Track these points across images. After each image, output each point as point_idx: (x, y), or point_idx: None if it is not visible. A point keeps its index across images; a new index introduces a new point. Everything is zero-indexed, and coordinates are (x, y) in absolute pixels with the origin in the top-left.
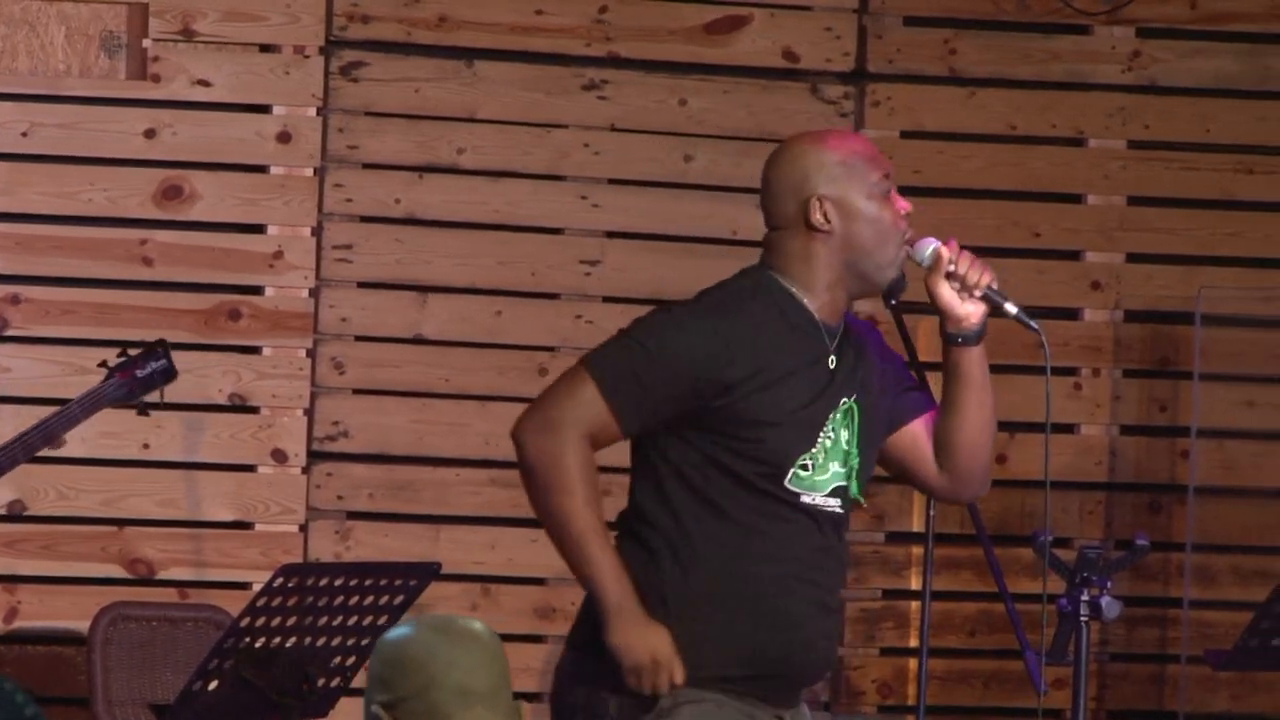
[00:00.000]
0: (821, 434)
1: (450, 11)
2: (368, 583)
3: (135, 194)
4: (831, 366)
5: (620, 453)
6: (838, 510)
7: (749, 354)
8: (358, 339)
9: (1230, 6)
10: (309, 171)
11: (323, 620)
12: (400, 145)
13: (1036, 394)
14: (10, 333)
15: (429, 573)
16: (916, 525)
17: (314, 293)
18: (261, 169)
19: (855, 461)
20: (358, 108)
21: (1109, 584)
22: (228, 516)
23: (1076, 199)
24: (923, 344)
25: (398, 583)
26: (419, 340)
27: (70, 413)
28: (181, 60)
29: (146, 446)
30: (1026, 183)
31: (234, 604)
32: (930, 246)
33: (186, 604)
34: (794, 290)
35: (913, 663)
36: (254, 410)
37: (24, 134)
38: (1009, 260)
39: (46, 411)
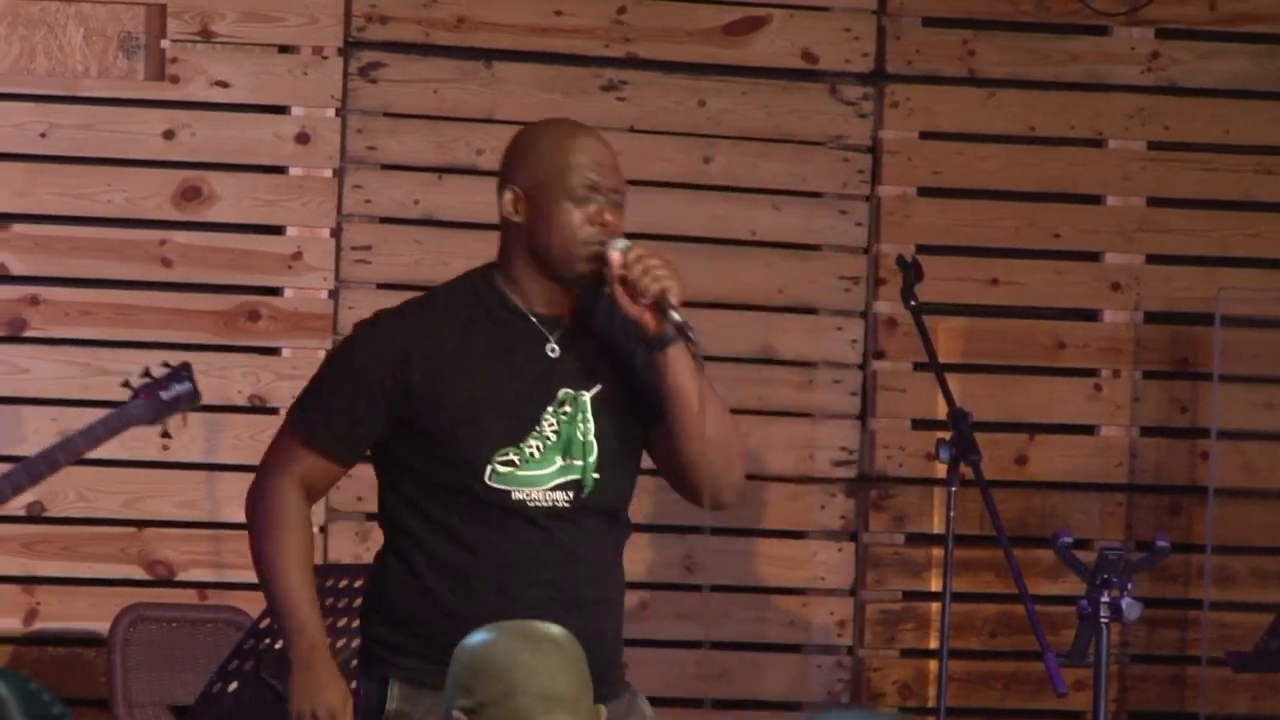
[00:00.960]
0: (536, 427)
1: (469, 12)
2: None
3: (154, 195)
4: (553, 356)
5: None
6: (564, 504)
7: (430, 352)
8: None
9: (1250, 7)
10: (328, 172)
11: (342, 622)
12: (419, 146)
13: (1055, 395)
14: (29, 334)
15: None
16: (937, 527)
17: (333, 294)
18: (280, 170)
19: (592, 454)
20: (376, 109)
21: (1129, 585)
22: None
23: (1096, 200)
24: (941, 344)
25: None
26: None
27: (94, 432)
28: (200, 61)
29: (166, 448)
30: (1045, 184)
31: (254, 605)
32: (609, 247)
33: (206, 605)
34: (499, 282)
35: (933, 664)
36: (274, 411)
37: (42, 135)
38: (1028, 261)
39: (64, 412)
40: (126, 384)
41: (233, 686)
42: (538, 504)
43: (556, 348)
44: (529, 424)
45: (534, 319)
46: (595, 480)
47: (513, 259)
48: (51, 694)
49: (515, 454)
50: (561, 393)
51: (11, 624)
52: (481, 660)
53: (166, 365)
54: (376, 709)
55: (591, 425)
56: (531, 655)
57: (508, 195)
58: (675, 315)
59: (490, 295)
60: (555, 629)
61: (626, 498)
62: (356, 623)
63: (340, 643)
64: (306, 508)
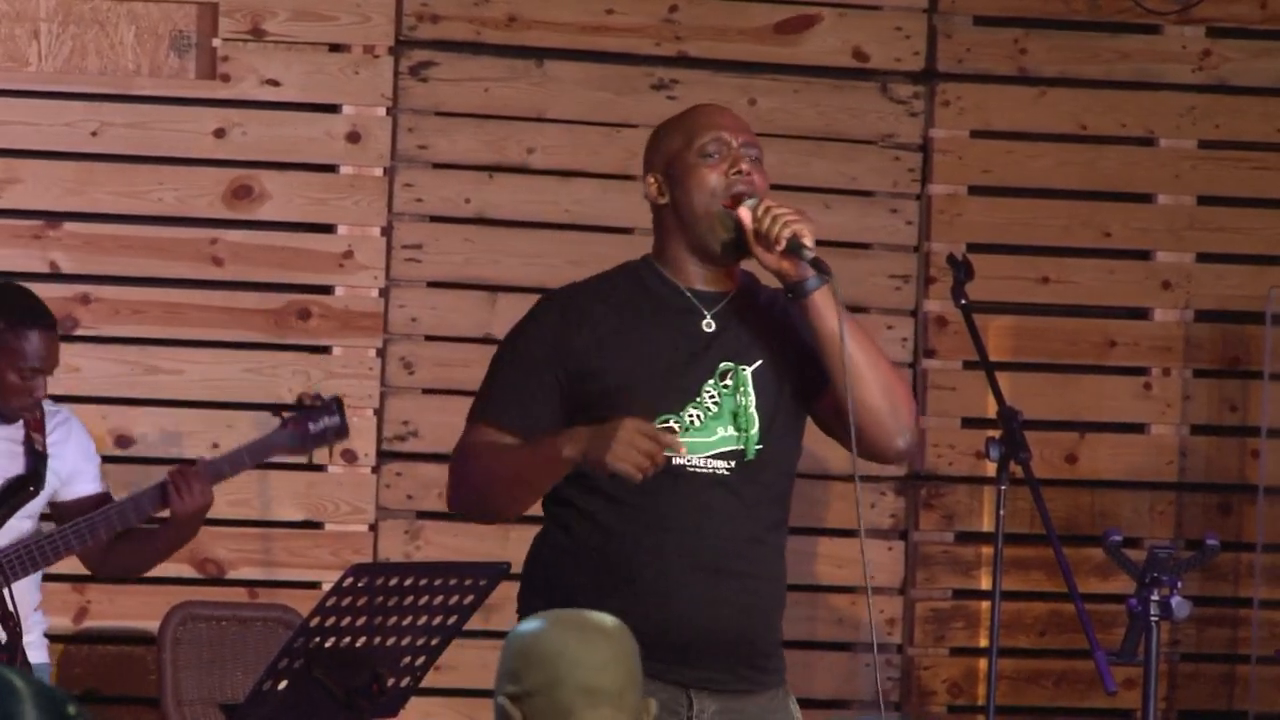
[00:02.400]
0: (696, 397)
1: (520, 11)
2: (437, 582)
3: (205, 194)
4: (709, 330)
5: None
6: (724, 472)
7: (591, 326)
8: (427, 339)
9: None
10: (379, 171)
11: (392, 620)
12: (470, 145)
13: (1105, 393)
14: (80, 332)
15: (499, 572)
16: (986, 525)
17: (383, 292)
18: (331, 169)
19: (753, 425)
20: (427, 107)
21: (1179, 584)
22: (298, 516)
23: (1147, 199)
24: (992, 342)
25: (467, 582)
26: (489, 340)
27: (238, 457)
28: (251, 60)
29: (216, 446)
30: (1096, 182)
31: (304, 604)
32: (736, 212)
33: (256, 604)
34: (656, 263)
35: (983, 662)
36: (312, 400)
37: (94, 134)
38: (1079, 260)
39: (114, 411)
40: (278, 413)
41: (283, 685)
42: (697, 469)
43: (713, 323)
44: (688, 394)
45: (690, 295)
46: (758, 451)
47: (666, 241)
48: (65, 694)
49: (675, 421)
50: (722, 365)
51: (62, 622)
52: (530, 648)
53: (320, 398)
54: None
55: (753, 398)
56: (579, 647)
57: (649, 181)
58: (807, 253)
59: (649, 275)
60: (608, 619)
61: (787, 474)
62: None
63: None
64: None
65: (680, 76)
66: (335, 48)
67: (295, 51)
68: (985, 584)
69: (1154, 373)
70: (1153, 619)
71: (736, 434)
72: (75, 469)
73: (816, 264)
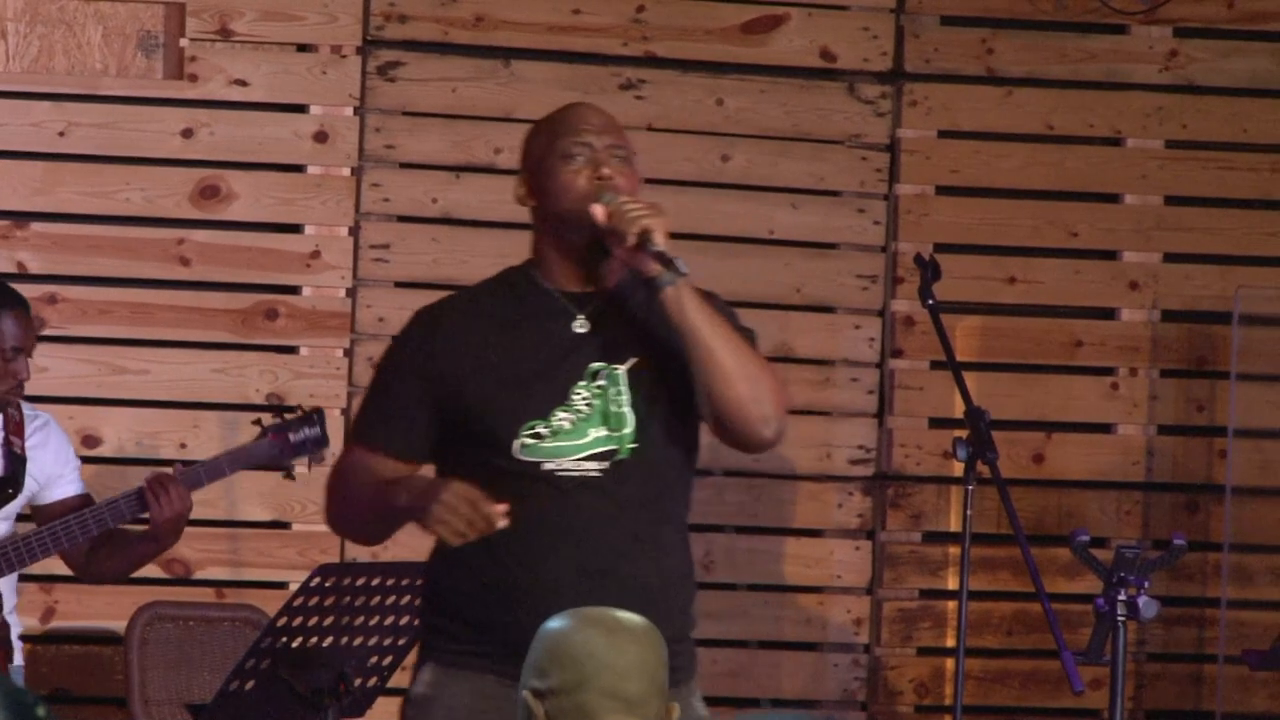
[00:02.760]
0: (565, 400)
1: (487, 11)
2: (405, 582)
3: (172, 194)
4: (580, 332)
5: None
6: (595, 474)
7: (456, 338)
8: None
9: (1268, 6)
10: (346, 171)
11: (360, 620)
12: (437, 145)
13: (1072, 393)
14: (47, 332)
15: None
16: (954, 525)
17: (351, 292)
18: (298, 169)
19: (628, 425)
20: (395, 107)
21: (1146, 584)
22: (265, 516)
23: (1114, 199)
24: (959, 342)
25: None
26: None
27: (217, 465)
28: (219, 60)
29: (184, 446)
30: (1063, 182)
31: (271, 604)
32: (594, 207)
33: (223, 604)
34: (529, 267)
35: (950, 662)
36: (291, 410)
37: (61, 134)
38: (1046, 260)
39: (82, 411)
40: (258, 422)
41: (249, 685)
42: (568, 474)
43: (586, 323)
44: (556, 397)
45: (561, 297)
46: (632, 449)
47: (538, 244)
48: (35, 696)
49: (543, 426)
50: (593, 366)
51: (29, 622)
52: (559, 646)
53: (300, 409)
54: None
55: (627, 396)
56: (606, 651)
57: (517, 183)
58: (654, 247)
59: (521, 280)
60: (639, 623)
61: (674, 468)
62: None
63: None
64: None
65: (648, 76)
66: (303, 48)
67: (263, 51)
68: (952, 584)
69: (1121, 373)
70: (1120, 619)
71: (609, 434)
72: (54, 473)
73: (664, 259)
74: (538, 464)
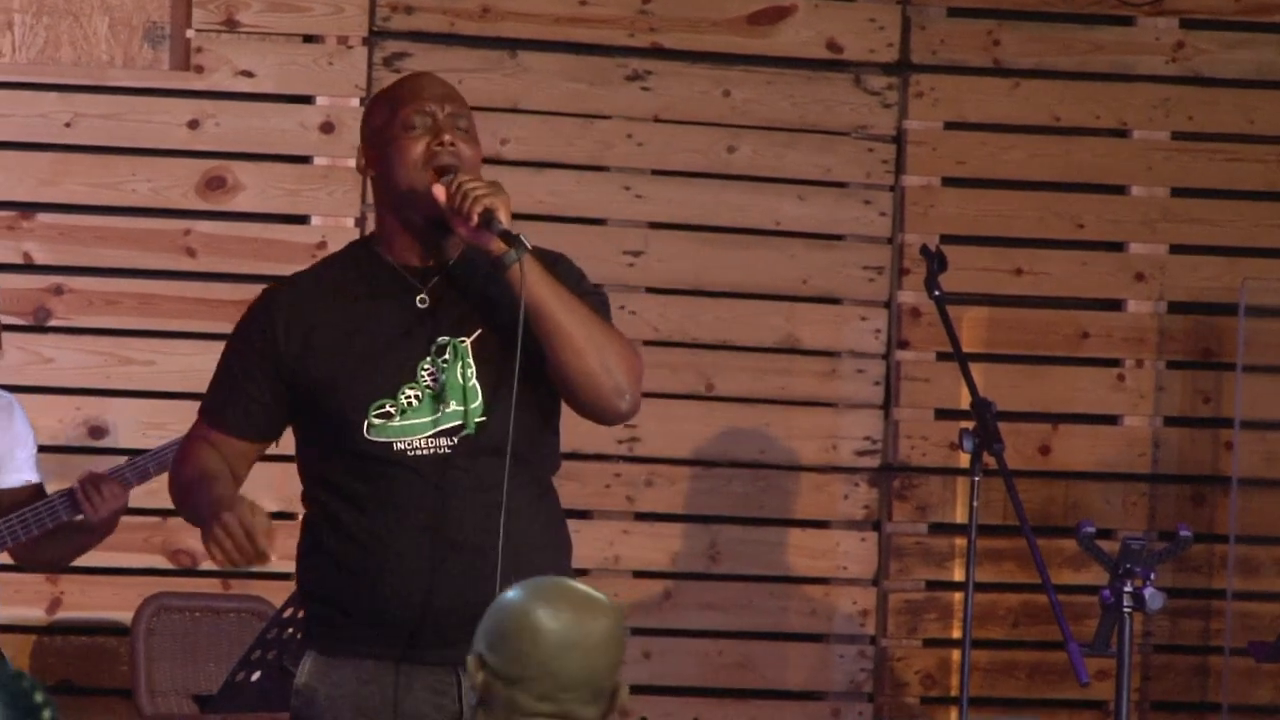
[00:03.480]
0: (413, 378)
1: (493, 2)
2: None
3: (178, 184)
4: (422, 307)
5: (663, 444)
6: (445, 450)
7: (298, 317)
8: None
9: None
10: (352, 162)
11: None
12: None
13: (1078, 385)
14: (53, 323)
15: None
16: (960, 517)
17: None
18: (305, 159)
19: (476, 399)
20: None
21: (1152, 575)
22: (271, 507)
23: (1120, 190)
24: (965, 334)
25: None
26: None
27: (143, 465)
28: (225, 51)
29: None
30: (1070, 174)
31: (277, 595)
32: (435, 186)
33: (229, 595)
34: (372, 241)
35: (956, 654)
36: None
37: (67, 124)
38: (1052, 251)
39: (88, 401)
40: None
41: (255, 675)
42: (419, 452)
43: (427, 298)
44: (403, 374)
45: (403, 271)
46: (479, 424)
47: (380, 218)
48: (32, 679)
49: (391, 405)
50: (439, 340)
51: (35, 613)
52: (512, 633)
53: None
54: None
55: (473, 370)
56: (553, 657)
57: (358, 154)
58: (498, 226)
59: (365, 256)
60: (598, 607)
61: (528, 436)
62: None
63: None
64: (221, 461)
65: (654, 68)
66: (309, 39)
67: (269, 42)
68: (958, 575)
69: (1127, 364)
70: (1126, 610)
71: (456, 409)
72: (7, 453)
73: (508, 237)
74: (389, 444)
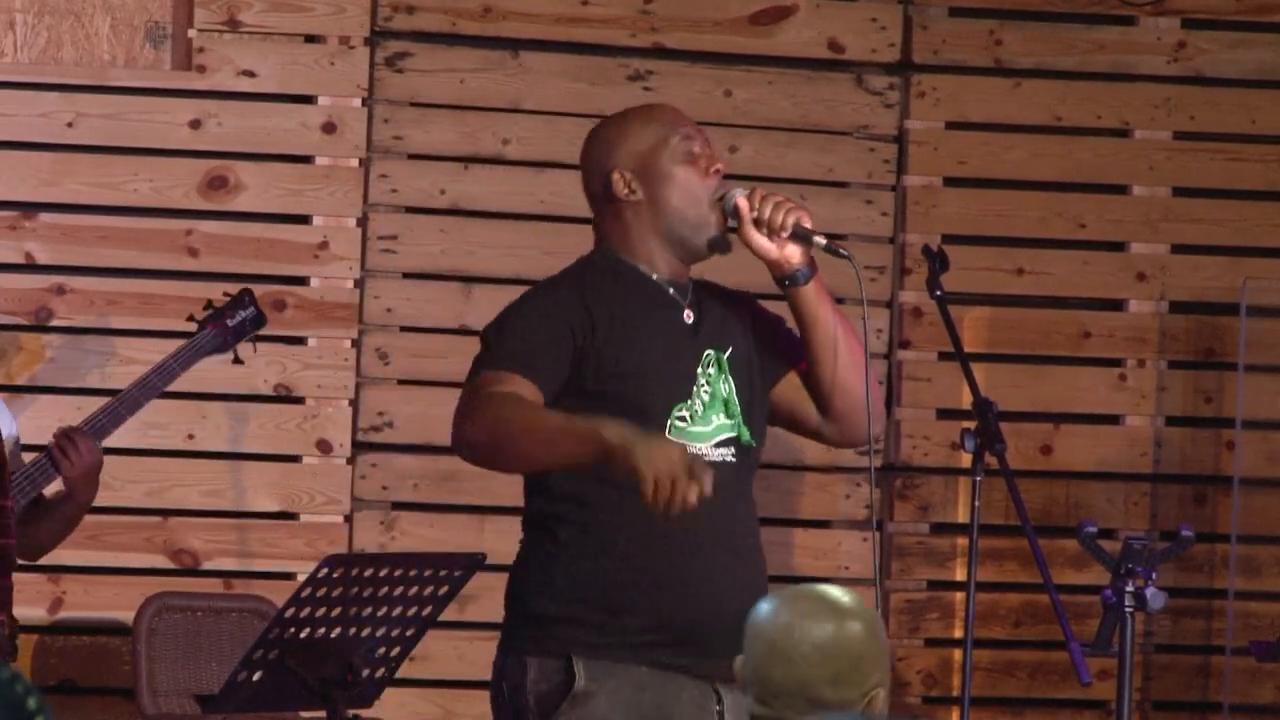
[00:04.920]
0: (695, 385)
1: (495, 2)
2: (412, 573)
3: (180, 184)
4: (689, 321)
5: None
6: (731, 459)
7: (603, 314)
8: (403, 329)
9: None
10: (354, 162)
11: (367, 611)
12: (445, 136)
13: (1080, 385)
14: (55, 323)
15: (474, 563)
16: (961, 516)
17: (359, 283)
18: (307, 159)
19: (739, 411)
20: (403, 98)
21: (1154, 575)
22: (273, 507)
23: (1122, 190)
24: (967, 334)
25: (442, 573)
26: (464, 331)
27: (168, 367)
28: (227, 51)
29: (191, 437)
30: (1071, 174)
31: (279, 594)
32: (732, 199)
33: (231, 594)
34: (623, 257)
35: (957, 653)
36: (299, 401)
37: (69, 124)
38: (1054, 251)
39: (89, 402)
40: (191, 318)
41: (258, 676)
42: (708, 459)
43: (690, 313)
44: (690, 382)
45: (667, 286)
46: (749, 435)
47: (634, 236)
48: (27, 684)
49: (686, 410)
50: (706, 353)
51: (36, 613)
52: (778, 647)
53: (227, 295)
54: (560, 688)
55: (733, 383)
56: (818, 667)
57: (616, 179)
58: (820, 239)
59: (623, 269)
60: (853, 633)
61: (760, 456)
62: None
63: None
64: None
65: (656, 68)
66: (311, 39)
67: (271, 42)
68: (960, 575)
69: (1129, 364)
70: (1127, 610)
71: (729, 420)
72: None
73: (832, 248)
74: (684, 446)
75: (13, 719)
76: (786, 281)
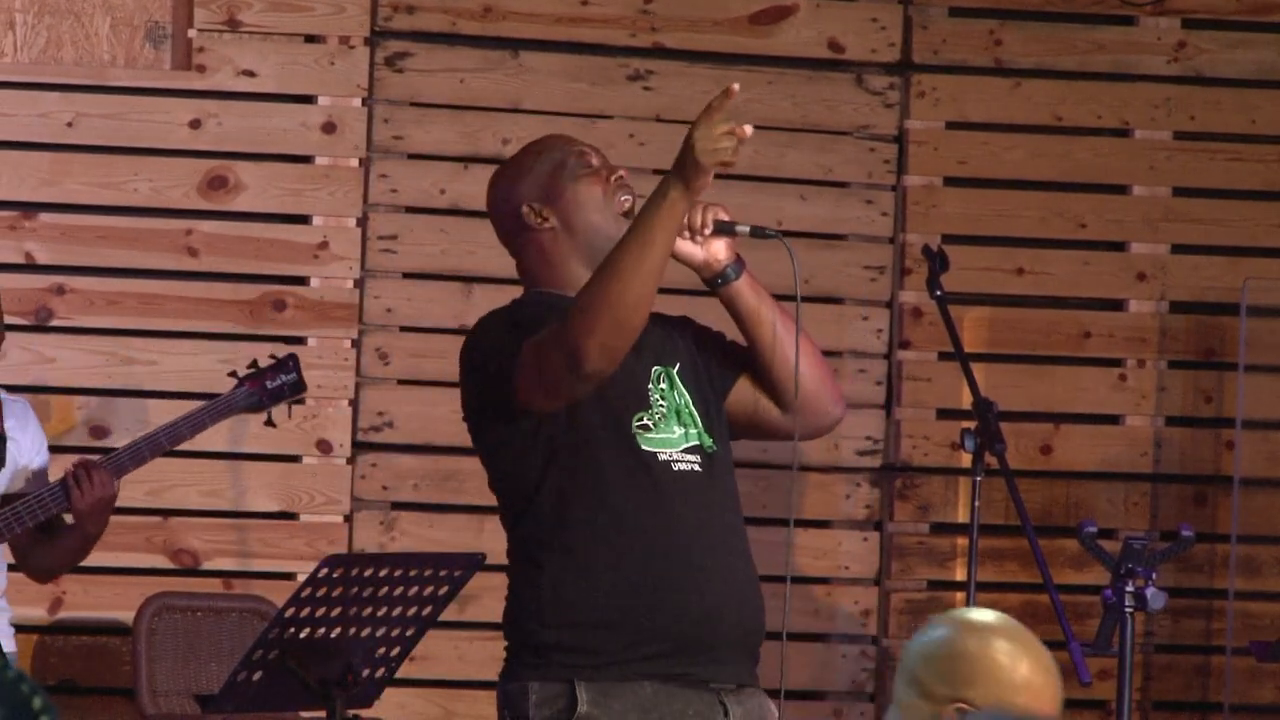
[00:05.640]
0: (649, 398)
1: (495, 2)
2: (412, 573)
3: (180, 184)
4: None
5: None
6: (698, 468)
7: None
8: (403, 329)
9: None
10: (354, 162)
11: (367, 611)
12: (445, 136)
13: (1080, 385)
14: (55, 323)
15: (473, 564)
16: (961, 516)
17: (359, 283)
18: (307, 159)
19: (697, 419)
20: (403, 98)
21: (1154, 575)
22: (273, 507)
23: (1122, 190)
24: (967, 334)
25: (442, 574)
26: (464, 331)
27: (198, 419)
28: (227, 51)
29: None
30: (1071, 174)
31: (279, 594)
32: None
33: (231, 594)
34: (552, 290)
35: None
36: (299, 401)
37: (69, 124)
38: (1054, 251)
39: (90, 402)
40: (233, 374)
41: (257, 676)
42: (679, 465)
43: None
44: (644, 394)
45: None
46: (710, 442)
47: (555, 263)
48: (33, 684)
49: (647, 418)
50: (655, 368)
51: (36, 613)
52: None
53: (274, 357)
54: (562, 713)
55: (686, 395)
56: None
57: (525, 210)
58: (743, 227)
59: (555, 300)
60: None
61: (731, 463)
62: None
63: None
64: None
65: (656, 67)
66: (311, 38)
67: (271, 42)
68: (960, 575)
69: (1129, 364)
70: (1128, 610)
71: (689, 429)
72: (31, 456)
73: (759, 232)
74: (655, 454)
75: (18, 719)
76: (718, 280)
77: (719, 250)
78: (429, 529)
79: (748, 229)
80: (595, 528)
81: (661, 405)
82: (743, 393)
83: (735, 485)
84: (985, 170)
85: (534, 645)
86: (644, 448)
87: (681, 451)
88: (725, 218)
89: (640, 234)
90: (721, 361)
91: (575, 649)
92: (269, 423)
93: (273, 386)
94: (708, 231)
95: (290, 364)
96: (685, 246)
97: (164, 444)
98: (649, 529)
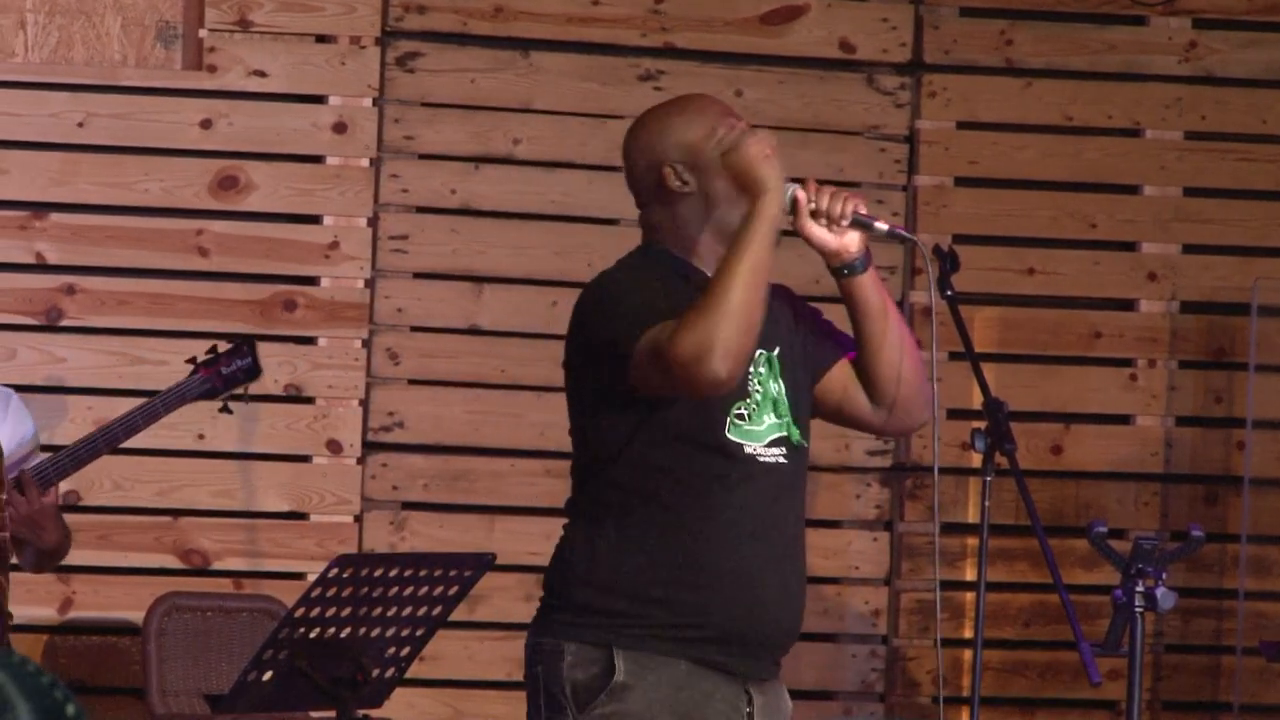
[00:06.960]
0: (749, 384)
1: (506, 2)
2: (423, 573)
3: (191, 184)
4: None
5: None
6: (782, 460)
7: (671, 297)
8: (413, 329)
9: None
10: (365, 162)
11: (377, 611)
12: (456, 136)
13: (1090, 385)
14: (65, 323)
15: (484, 564)
16: (971, 517)
17: (369, 283)
18: (317, 159)
19: (787, 410)
20: (414, 98)
21: (1164, 575)
22: (283, 507)
23: (1133, 190)
24: (977, 334)
25: (452, 574)
26: (474, 331)
27: (153, 408)
28: (237, 50)
29: (202, 437)
30: (1082, 173)
31: (289, 594)
32: (789, 191)
33: (241, 594)
34: (677, 254)
35: (968, 654)
36: (309, 401)
37: (80, 124)
38: (1065, 251)
39: (100, 402)
40: (191, 360)
41: (267, 676)
42: (763, 458)
43: None
44: (743, 382)
45: None
46: (798, 435)
47: (685, 231)
48: (66, 690)
49: (744, 408)
50: (759, 352)
51: (47, 613)
52: None
53: (230, 343)
54: (599, 678)
55: (782, 383)
56: None
57: (668, 172)
58: (881, 225)
59: (679, 266)
60: None
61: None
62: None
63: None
64: None
65: (667, 68)
66: (322, 39)
67: (282, 42)
68: (970, 575)
69: (1139, 364)
70: (1138, 610)
71: (779, 420)
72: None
73: (895, 233)
74: (741, 445)
75: None
76: (845, 270)
77: (851, 242)
78: (439, 529)
79: (885, 228)
80: (664, 506)
81: (758, 393)
82: (836, 378)
83: (806, 481)
84: (996, 170)
85: (577, 604)
86: (731, 437)
87: (767, 445)
88: (864, 212)
89: (749, 258)
90: (822, 342)
91: (620, 615)
92: (225, 409)
93: (227, 372)
94: (845, 223)
95: (246, 349)
96: (820, 234)
97: (121, 436)
98: (717, 518)
